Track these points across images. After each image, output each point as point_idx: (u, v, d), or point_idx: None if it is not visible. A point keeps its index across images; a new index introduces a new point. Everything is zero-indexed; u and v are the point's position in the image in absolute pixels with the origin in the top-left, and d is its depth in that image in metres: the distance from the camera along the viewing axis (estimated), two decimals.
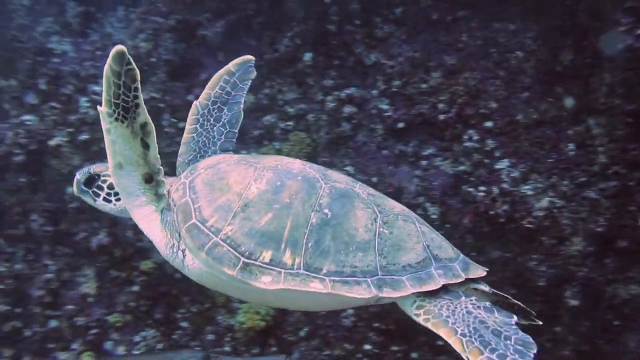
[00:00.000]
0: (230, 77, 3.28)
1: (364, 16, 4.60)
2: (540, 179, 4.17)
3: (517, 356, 1.99)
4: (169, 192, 2.67)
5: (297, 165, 2.66)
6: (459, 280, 2.35)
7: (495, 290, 2.40)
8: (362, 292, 2.25)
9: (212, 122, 3.22)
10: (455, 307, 2.24)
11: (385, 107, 4.53)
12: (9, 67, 5.04)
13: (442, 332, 2.15)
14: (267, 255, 2.34)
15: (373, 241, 2.39)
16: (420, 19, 4.47)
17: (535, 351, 2.01)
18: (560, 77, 4.15)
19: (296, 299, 2.48)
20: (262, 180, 2.51)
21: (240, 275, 2.31)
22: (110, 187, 2.80)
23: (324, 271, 2.30)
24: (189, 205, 2.51)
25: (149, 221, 2.66)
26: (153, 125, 2.36)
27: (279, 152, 4.70)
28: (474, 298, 2.31)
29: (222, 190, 2.51)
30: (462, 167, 4.34)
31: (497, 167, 4.26)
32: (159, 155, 2.47)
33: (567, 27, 4.13)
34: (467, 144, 4.33)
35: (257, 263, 2.32)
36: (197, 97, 4.67)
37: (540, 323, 2.41)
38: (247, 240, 2.37)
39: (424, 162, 4.46)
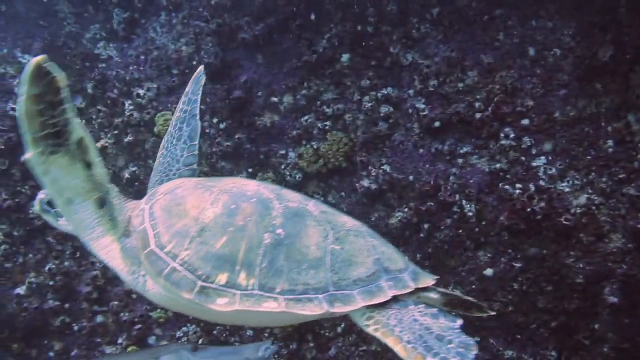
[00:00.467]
0: (186, 96, 3.47)
1: (400, 17, 4.65)
2: (578, 176, 4.15)
3: (458, 358, 2.08)
4: (130, 217, 2.72)
5: (251, 186, 2.73)
6: (408, 290, 2.44)
7: (446, 291, 2.51)
8: (314, 309, 2.35)
9: (174, 142, 3.35)
10: (403, 316, 2.32)
11: (421, 106, 4.58)
12: None
13: (389, 341, 2.23)
14: (222, 278, 2.41)
15: (325, 258, 2.47)
16: (457, 19, 4.49)
17: (475, 352, 2.11)
18: (599, 74, 4.12)
19: (253, 317, 2.60)
20: (218, 204, 2.57)
21: (198, 299, 2.38)
22: None
23: (278, 290, 2.38)
24: (147, 231, 2.56)
25: (108, 251, 2.72)
26: (90, 136, 2.33)
27: (317, 151, 4.80)
28: (422, 306, 2.39)
29: (179, 216, 2.57)
30: (498, 165, 4.35)
31: (533, 164, 4.26)
32: (105, 170, 2.50)
33: (607, 24, 4.09)
34: (504, 141, 4.34)
35: (213, 286, 2.40)
36: (236, 99, 4.90)
37: (494, 313, 2.55)
38: (204, 264, 2.44)
39: (460, 160, 4.49)
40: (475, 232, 4.39)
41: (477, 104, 4.41)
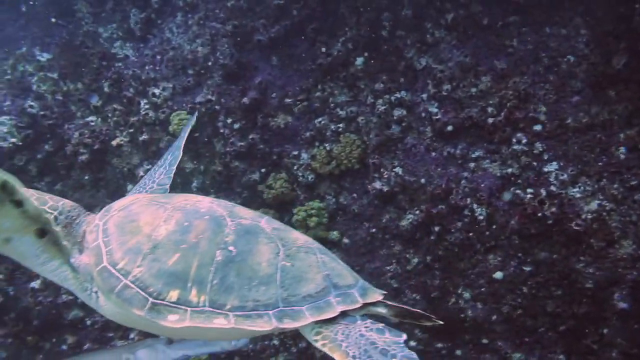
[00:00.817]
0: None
1: (415, 22, 4.69)
2: (589, 182, 4.19)
3: None
4: (84, 232, 2.73)
5: (205, 203, 2.78)
6: (356, 306, 2.51)
7: (394, 304, 2.60)
8: (263, 325, 2.40)
9: (156, 168, 3.55)
10: (350, 331, 2.39)
11: (434, 110, 4.62)
12: (76, 71, 5.33)
13: (336, 356, 2.30)
14: (174, 295, 2.44)
15: (275, 274, 2.52)
16: (471, 24, 4.53)
17: None
18: (613, 81, 4.14)
19: (205, 333, 2.65)
20: (171, 221, 2.61)
21: (149, 315, 2.42)
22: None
23: (228, 307, 2.43)
24: (100, 248, 2.58)
25: (59, 274, 2.70)
26: (14, 177, 2.30)
27: (329, 153, 4.85)
28: (369, 321, 2.46)
29: (132, 233, 2.59)
30: (509, 170, 4.39)
31: (545, 169, 4.30)
32: (39, 201, 2.53)
33: (621, 32, 4.12)
34: (516, 147, 4.38)
35: (164, 303, 2.43)
36: (251, 100, 4.96)
37: (442, 322, 2.62)
38: (156, 281, 2.46)
39: (471, 164, 4.53)
40: (486, 235, 4.43)
41: (489, 109, 4.45)
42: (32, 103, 5.28)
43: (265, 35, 4.97)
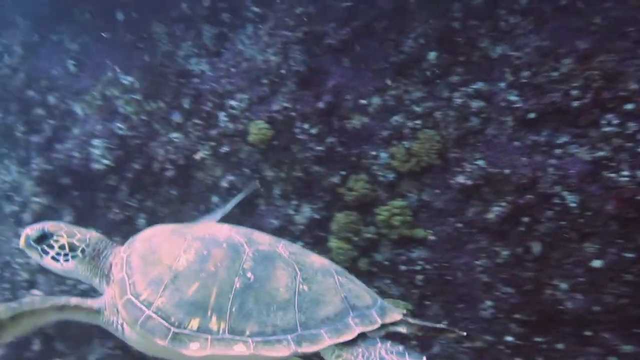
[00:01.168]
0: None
1: (487, 10, 4.59)
2: None
3: None
4: (111, 264, 2.90)
5: (224, 232, 2.85)
6: (375, 326, 2.52)
7: (415, 322, 2.62)
8: (283, 350, 2.45)
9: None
10: (370, 353, 2.43)
11: (514, 98, 4.50)
12: (157, 90, 5.58)
13: None
14: (194, 324, 2.52)
15: (293, 299, 2.57)
16: (548, 7, 4.38)
17: None
18: None
19: (225, 358, 2.64)
20: (191, 250, 2.70)
21: (171, 345, 2.50)
22: (62, 247, 2.95)
23: (247, 333, 2.49)
24: (124, 280, 2.70)
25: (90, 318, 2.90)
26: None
27: (408, 150, 4.83)
28: (388, 343, 2.47)
29: (154, 264, 2.69)
30: (601, 153, 4.20)
31: None
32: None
33: None
34: (606, 128, 4.18)
35: (185, 332, 2.51)
36: (325, 104, 5.01)
37: (464, 334, 2.63)
38: (177, 310, 2.55)
39: (558, 151, 4.38)
40: (580, 223, 4.26)
41: (574, 92, 4.28)
42: (120, 125, 5.57)
43: (336, 38, 5.01)
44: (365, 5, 4.90)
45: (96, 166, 5.48)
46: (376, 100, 4.98)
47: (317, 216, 5.20)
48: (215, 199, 5.43)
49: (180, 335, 2.54)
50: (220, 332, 2.53)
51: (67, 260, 2.96)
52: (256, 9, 5.34)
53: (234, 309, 2.56)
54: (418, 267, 4.93)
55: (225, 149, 5.40)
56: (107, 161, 5.48)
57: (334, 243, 5.09)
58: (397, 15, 4.85)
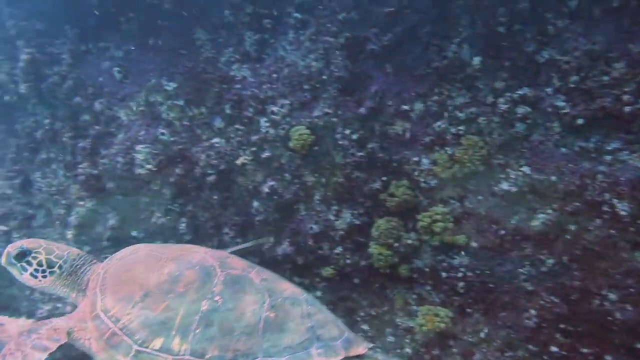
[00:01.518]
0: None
1: (533, 14, 4.51)
2: None
3: None
4: (88, 280, 2.97)
5: (199, 255, 2.88)
6: (339, 358, 2.55)
7: (380, 358, 2.70)
8: None
9: None
10: None
11: (561, 104, 4.41)
12: (199, 96, 5.64)
13: None
14: (157, 343, 2.54)
15: (258, 325, 2.58)
16: (598, 9, 4.28)
17: None
18: None
19: None
20: (164, 271, 2.74)
21: None
22: (39, 264, 3.03)
23: (208, 356, 2.50)
24: (96, 295, 2.76)
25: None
26: None
27: (451, 156, 4.77)
28: None
29: (127, 282, 2.74)
30: None
31: None
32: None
33: None
34: None
35: (147, 350, 2.53)
36: (367, 110, 5.00)
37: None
38: (142, 328, 2.57)
39: (608, 157, 4.27)
40: (630, 232, 4.15)
41: (625, 97, 4.17)
42: (163, 130, 5.65)
43: (378, 44, 4.99)
44: (409, 11, 4.87)
45: (139, 171, 5.58)
46: (419, 106, 4.94)
47: (357, 222, 5.19)
48: (256, 204, 5.47)
49: (142, 354, 2.57)
50: (181, 353, 2.55)
51: (45, 277, 3.04)
52: (298, 15, 5.35)
53: (197, 331, 2.58)
54: (459, 274, 4.88)
55: (266, 154, 5.43)
56: (150, 166, 5.56)
57: (374, 249, 5.07)
58: (440, 20, 4.80)
